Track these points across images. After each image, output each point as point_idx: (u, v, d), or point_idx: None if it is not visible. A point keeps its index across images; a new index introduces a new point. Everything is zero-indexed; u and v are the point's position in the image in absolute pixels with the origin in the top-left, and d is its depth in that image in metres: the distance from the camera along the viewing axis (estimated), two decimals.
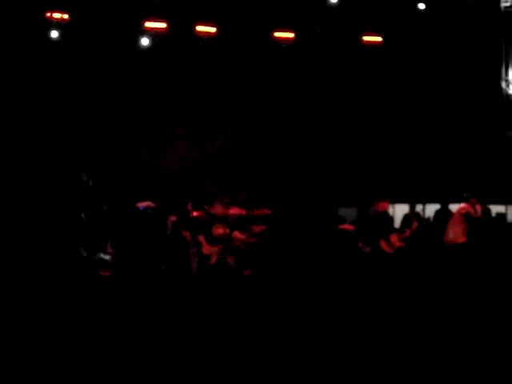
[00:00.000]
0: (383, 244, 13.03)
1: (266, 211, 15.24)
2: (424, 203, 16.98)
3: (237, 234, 13.21)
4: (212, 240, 12.56)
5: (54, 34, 15.74)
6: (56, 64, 16.49)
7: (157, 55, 17.02)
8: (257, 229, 13.98)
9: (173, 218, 14.29)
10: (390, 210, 16.94)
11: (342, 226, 14.59)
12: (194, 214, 15.61)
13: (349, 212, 17.10)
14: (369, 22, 16.10)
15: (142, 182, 17.99)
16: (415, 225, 13.64)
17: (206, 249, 12.50)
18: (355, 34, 16.34)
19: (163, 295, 12.53)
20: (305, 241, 15.36)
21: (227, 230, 12.86)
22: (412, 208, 16.07)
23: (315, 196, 17.62)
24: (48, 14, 15.14)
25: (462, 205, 13.82)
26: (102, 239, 14.57)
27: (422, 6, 15.73)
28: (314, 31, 16.34)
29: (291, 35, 16.27)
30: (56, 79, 16.65)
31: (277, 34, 16.34)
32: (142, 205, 15.42)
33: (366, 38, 16.47)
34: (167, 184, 18.22)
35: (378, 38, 16.43)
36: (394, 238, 13.22)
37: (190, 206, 14.66)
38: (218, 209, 13.03)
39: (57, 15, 15.16)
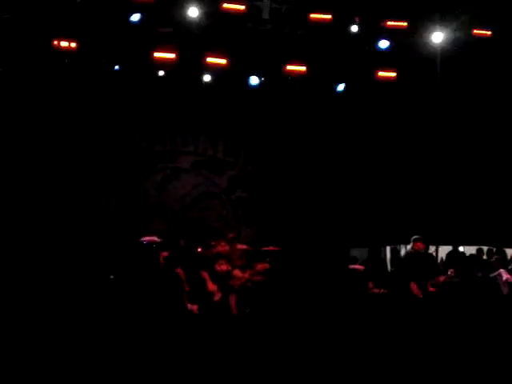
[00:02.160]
0: (414, 287, 12.43)
1: (273, 248, 14.88)
2: (437, 245, 16.55)
3: (237, 272, 12.90)
4: (215, 277, 12.27)
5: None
6: (60, 100, 16.36)
7: (165, 85, 16.77)
8: (260, 267, 13.59)
9: (164, 254, 13.95)
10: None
11: (352, 266, 14.25)
12: (199, 249, 15.33)
13: (360, 252, 16.74)
14: (383, 58, 15.75)
15: (148, 215, 17.66)
16: (451, 272, 13.15)
17: (210, 286, 12.08)
18: (369, 70, 15.98)
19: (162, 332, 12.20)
20: (313, 280, 14.93)
21: (229, 267, 12.59)
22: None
23: (327, 235, 17.23)
24: (55, 43, 14.86)
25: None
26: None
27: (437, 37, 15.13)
28: (326, 65, 16.00)
29: (303, 69, 15.96)
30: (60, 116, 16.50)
31: (289, 68, 16.01)
32: (146, 239, 15.11)
33: (380, 74, 16.11)
34: (173, 218, 17.90)
35: (392, 74, 16.06)
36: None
37: (182, 242, 14.38)
38: (223, 246, 13.14)
39: (64, 44, 14.89)
